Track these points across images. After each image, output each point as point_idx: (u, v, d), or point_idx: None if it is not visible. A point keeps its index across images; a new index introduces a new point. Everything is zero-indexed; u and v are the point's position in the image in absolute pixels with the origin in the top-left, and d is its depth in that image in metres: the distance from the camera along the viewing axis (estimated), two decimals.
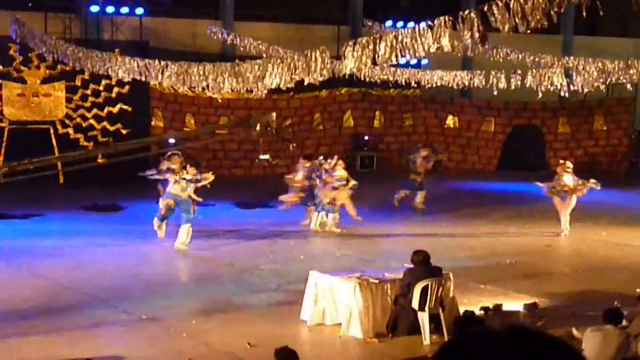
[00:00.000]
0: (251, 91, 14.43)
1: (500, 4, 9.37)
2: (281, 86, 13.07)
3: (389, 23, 28.18)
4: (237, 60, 14.53)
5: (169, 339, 10.60)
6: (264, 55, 18.81)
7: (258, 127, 13.39)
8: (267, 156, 17.65)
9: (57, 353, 9.79)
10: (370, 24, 24.13)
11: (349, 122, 30.82)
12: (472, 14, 9.63)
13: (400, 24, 28.94)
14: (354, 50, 10.97)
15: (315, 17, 31.41)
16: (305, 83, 12.74)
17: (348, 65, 11.28)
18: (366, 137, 30.67)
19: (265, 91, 14.15)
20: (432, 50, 10.17)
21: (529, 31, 9.36)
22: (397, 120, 31.73)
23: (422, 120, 32.03)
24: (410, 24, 27.75)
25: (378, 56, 10.73)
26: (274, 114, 14.55)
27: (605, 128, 32.32)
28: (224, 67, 13.99)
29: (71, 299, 12.46)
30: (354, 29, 30.55)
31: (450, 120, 32.13)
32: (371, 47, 10.73)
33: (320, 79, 12.54)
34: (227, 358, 9.85)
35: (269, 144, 18.35)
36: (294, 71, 12.41)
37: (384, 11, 29.82)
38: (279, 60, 13.10)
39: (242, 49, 21.21)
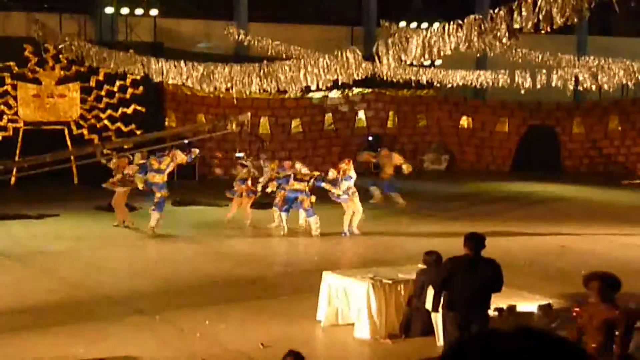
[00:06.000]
0: (284, 91, 14.44)
1: (528, 1, 9.32)
2: (320, 86, 13.09)
3: (402, 23, 28.16)
4: (269, 61, 14.53)
5: (183, 340, 10.60)
6: (284, 55, 18.75)
7: (235, 125, 13.47)
8: (242, 154, 17.78)
9: (71, 353, 9.80)
10: (386, 24, 24.09)
11: (362, 123, 30.76)
12: (502, 12, 9.62)
13: (413, 24, 28.97)
14: (387, 49, 10.94)
15: (328, 18, 31.42)
16: (339, 83, 12.78)
17: (387, 65, 11.25)
18: (370, 138, 30.52)
19: (300, 91, 14.20)
20: (462, 48, 10.16)
21: (547, 30, 9.32)
22: (411, 120, 31.67)
23: (436, 121, 31.96)
24: (424, 25, 27.92)
25: (415, 55, 10.71)
26: (249, 114, 14.61)
27: (620, 128, 32.17)
28: (251, 68, 13.95)
29: (85, 299, 12.49)
30: (367, 30, 30.52)
31: (464, 121, 32.06)
32: (404, 45, 10.71)
33: (357, 78, 12.56)
34: (241, 359, 9.85)
35: (243, 143, 18.50)
36: (327, 71, 12.40)
37: (398, 12, 29.80)
38: (312, 61, 13.09)
39: (259, 49, 21.17)
